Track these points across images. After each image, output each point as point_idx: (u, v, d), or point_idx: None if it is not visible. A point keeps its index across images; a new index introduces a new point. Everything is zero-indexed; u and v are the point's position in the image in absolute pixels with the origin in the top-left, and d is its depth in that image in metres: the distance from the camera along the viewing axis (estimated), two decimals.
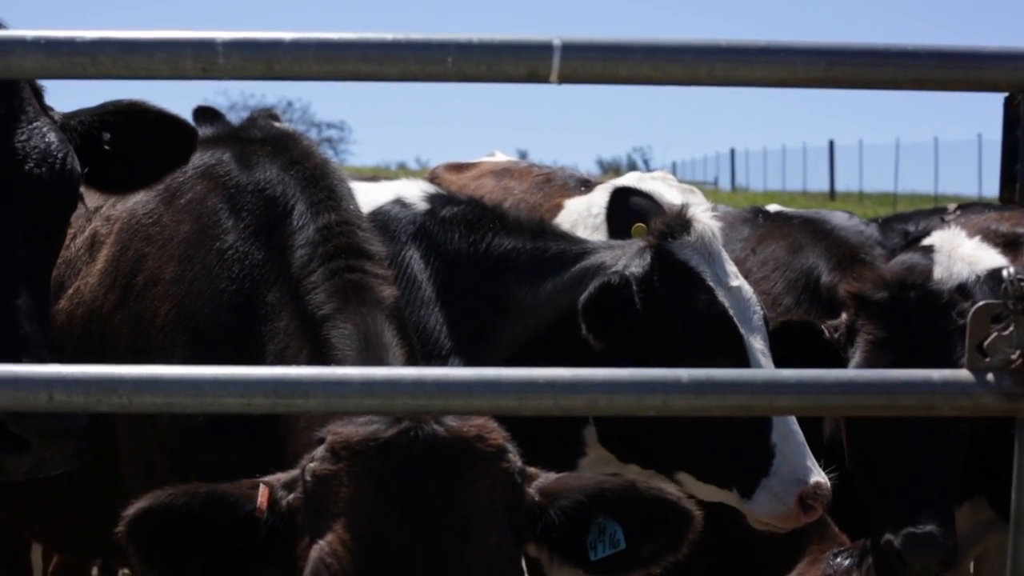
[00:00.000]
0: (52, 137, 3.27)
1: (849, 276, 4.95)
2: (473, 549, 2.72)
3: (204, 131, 4.05)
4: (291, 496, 2.82)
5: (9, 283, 3.10)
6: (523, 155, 32.33)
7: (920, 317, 4.69)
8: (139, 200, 4.08)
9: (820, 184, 52.93)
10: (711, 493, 4.25)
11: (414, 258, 4.65)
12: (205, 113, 4.33)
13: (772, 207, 6.06)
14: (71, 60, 2.15)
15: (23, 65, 2.16)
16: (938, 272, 5.19)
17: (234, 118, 4.39)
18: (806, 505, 4.19)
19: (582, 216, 5.84)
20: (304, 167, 3.88)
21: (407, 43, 2.16)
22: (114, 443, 3.93)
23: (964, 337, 4.90)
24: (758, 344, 4.33)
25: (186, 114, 3.81)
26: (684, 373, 2.29)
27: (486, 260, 4.61)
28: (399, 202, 4.82)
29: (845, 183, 54.08)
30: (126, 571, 6.22)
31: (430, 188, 4.96)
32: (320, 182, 3.82)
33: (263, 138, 4.06)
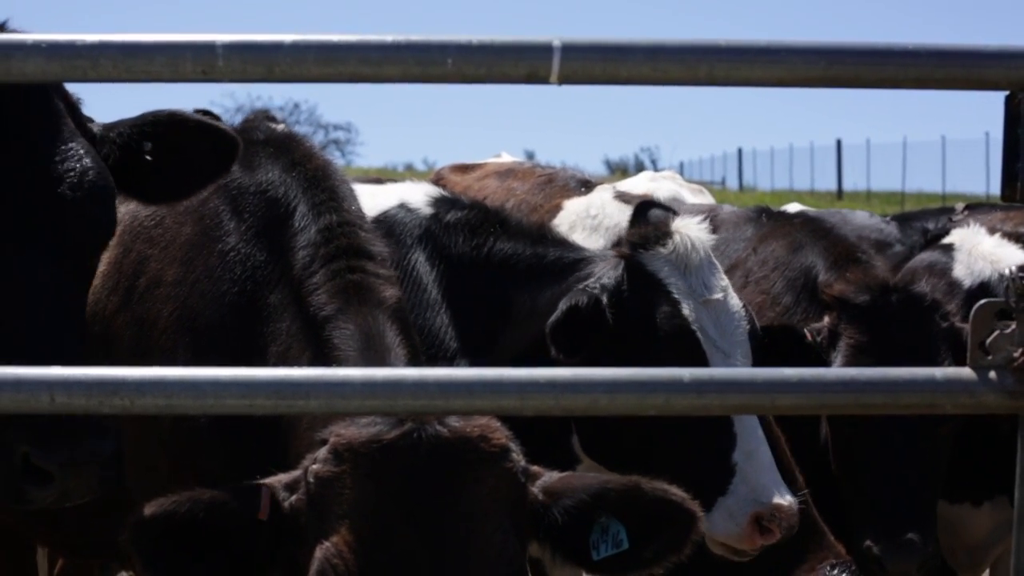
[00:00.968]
0: (88, 162, 3.21)
1: (843, 275, 4.90)
2: (477, 549, 2.72)
3: None
4: (293, 498, 2.83)
5: (38, 305, 3.05)
6: (530, 156, 32.27)
7: (902, 321, 4.65)
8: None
9: (828, 183, 53.02)
10: None
11: (419, 261, 4.65)
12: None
13: (792, 206, 6.00)
14: (72, 63, 2.15)
15: (24, 69, 2.16)
16: (959, 270, 5.17)
17: (241, 120, 4.38)
18: (763, 527, 4.00)
19: (580, 217, 5.86)
20: (306, 169, 3.88)
21: (407, 45, 2.16)
22: None
23: (947, 341, 4.88)
24: (736, 359, 4.19)
25: None
26: (686, 372, 2.30)
27: (488, 265, 4.60)
28: (403, 206, 4.81)
29: (853, 182, 54.20)
30: (129, 574, 6.22)
31: (434, 191, 4.95)
32: (322, 183, 3.82)
33: (265, 140, 4.05)
